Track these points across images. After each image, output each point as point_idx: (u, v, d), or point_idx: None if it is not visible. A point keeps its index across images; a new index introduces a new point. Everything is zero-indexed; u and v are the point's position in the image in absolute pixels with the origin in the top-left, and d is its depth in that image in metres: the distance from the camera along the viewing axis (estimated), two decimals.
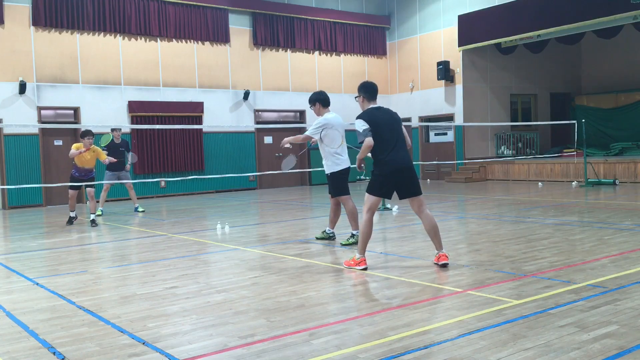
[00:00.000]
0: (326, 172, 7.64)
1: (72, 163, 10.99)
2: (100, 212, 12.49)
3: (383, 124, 5.95)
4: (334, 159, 7.48)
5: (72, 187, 10.93)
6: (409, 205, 6.10)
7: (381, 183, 5.94)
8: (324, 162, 7.65)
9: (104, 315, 4.53)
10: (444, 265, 5.90)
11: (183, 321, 4.32)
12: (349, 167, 7.62)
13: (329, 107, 7.67)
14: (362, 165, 6.23)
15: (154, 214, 12.58)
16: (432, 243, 6.17)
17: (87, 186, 10.98)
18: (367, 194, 6.01)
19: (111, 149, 12.65)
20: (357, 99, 6.31)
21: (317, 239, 8.00)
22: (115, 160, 11.85)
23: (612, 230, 7.91)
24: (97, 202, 12.24)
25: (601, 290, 4.73)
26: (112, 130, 13.11)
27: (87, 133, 10.74)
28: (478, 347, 3.51)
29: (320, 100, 7.62)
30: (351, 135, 7.98)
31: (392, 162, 5.87)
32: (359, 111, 7.46)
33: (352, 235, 7.56)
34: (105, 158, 11.06)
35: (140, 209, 13.08)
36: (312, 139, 7.62)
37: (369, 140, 5.84)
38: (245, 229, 9.65)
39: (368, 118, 5.94)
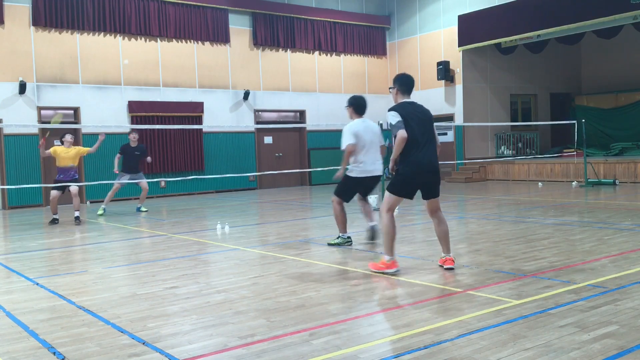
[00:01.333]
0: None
1: (56, 167, 11.35)
2: (102, 211, 12.53)
3: (415, 120, 5.64)
4: (353, 164, 7.27)
5: (54, 189, 11.16)
6: (425, 204, 5.99)
7: (403, 182, 5.68)
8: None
9: (104, 315, 4.53)
10: (449, 269, 5.78)
11: (183, 321, 4.32)
12: (365, 177, 7.29)
13: (363, 115, 7.38)
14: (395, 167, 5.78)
15: (154, 214, 12.57)
16: (437, 244, 6.13)
17: (68, 186, 11.15)
18: (387, 193, 5.75)
19: (126, 153, 12.59)
20: (391, 90, 6.03)
21: (331, 244, 7.61)
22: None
23: (612, 230, 7.91)
24: (104, 199, 12.89)
25: (601, 290, 4.73)
26: (130, 132, 12.96)
27: (67, 132, 11.51)
28: (478, 347, 3.51)
29: (353, 105, 7.39)
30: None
31: (419, 163, 5.60)
32: None
33: (338, 237, 7.54)
34: (89, 148, 11.70)
35: (143, 209, 13.07)
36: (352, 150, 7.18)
37: (402, 133, 5.49)
38: (245, 229, 9.65)
39: (401, 111, 5.63)
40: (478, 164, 19.17)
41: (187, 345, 3.78)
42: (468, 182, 18.64)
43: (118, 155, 12.73)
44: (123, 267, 6.73)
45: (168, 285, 5.53)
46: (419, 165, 5.61)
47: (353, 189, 7.43)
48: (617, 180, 15.29)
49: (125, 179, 12.67)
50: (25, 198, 15.26)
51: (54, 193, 11.11)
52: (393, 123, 5.64)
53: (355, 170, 7.26)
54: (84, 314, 4.62)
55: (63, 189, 11.18)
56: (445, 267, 5.83)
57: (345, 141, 7.12)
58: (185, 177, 16.08)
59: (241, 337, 3.87)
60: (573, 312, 4.17)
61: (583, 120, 16.03)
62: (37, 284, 5.81)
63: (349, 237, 7.53)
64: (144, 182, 12.92)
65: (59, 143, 11.56)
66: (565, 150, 19.96)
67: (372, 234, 7.52)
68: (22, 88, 15.03)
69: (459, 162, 19.31)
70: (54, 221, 11.14)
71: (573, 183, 15.93)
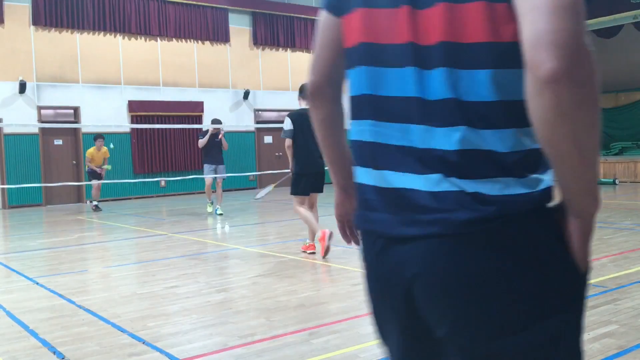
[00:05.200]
0: None
1: (88, 164, 13.30)
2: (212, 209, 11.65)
3: (306, 126, 6.45)
4: None
5: (94, 179, 13.22)
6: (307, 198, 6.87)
7: (298, 182, 6.81)
8: None
9: (104, 315, 4.53)
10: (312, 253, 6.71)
11: (183, 321, 4.32)
12: None
13: None
14: None
15: (154, 214, 12.57)
16: None
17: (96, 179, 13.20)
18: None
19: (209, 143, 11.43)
20: None
21: None
22: None
23: (612, 229, 7.91)
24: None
25: (601, 290, 4.73)
26: (212, 122, 11.81)
27: (99, 136, 13.37)
28: None
29: None
30: None
31: (308, 165, 6.76)
32: None
33: None
34: (107, 166, 13.53)
35: (219, 212, 11.43)
36: None
37: (288, 142, 6.73)
38: (245, 229, 9.65)
39: (294, 119, 6.70)
40: None
41: (187, 344, 3.77)
42: None
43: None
44: (123, 267, 6.73)
45: (168, 285, 5.53)
46: (307, 165, 6.65)
47: None
48: (617, 180, 15.28)
49: (211, 172, 11.47)
50: (25, 197, 15.25)
51: (95, 183, 13.10)
52: (285, 129, 6.63)
53: None
54: (84, 313, 4.62)
55: (99, 178, 13.35)
56: (308, 252, 6.80)
57: None
58: (185, 176, 16.08)
59: (241, 337, 3.87)
60: None
61: None
62: (37, 283, 5.81)
63: None
64: (222, 177, 11.81)
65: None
66: None
67: None
68: (22, 87, 15.02)
69: None
70: (97, 208, 13.12)
71: None
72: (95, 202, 13.33)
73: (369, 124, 1.19)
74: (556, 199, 1.11)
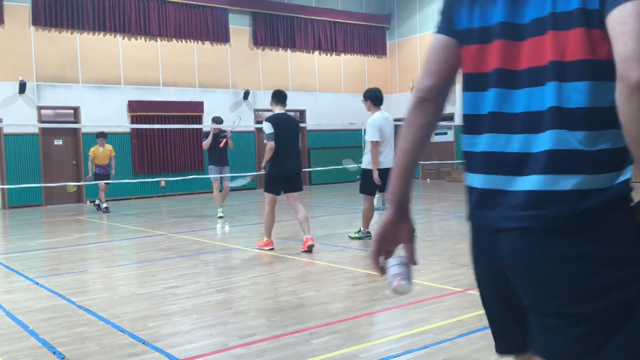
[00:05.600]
0: (362, 167, 7.70)
1: (94, 164, 12.99)
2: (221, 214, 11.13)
3: (285, 130, 7.06)
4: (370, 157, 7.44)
5: (100, 180, 13.03)
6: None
7: (271, 182, 7.16)
8: (363, 157, 7.68)
9: (104, 315, 4.53)
10: (310, 248, 6.86)
11: (183, 321, 4.32)
12: (387, 169, 7.28)
13: (380, 106, 7.58)
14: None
15: (154, 214, 12.57)
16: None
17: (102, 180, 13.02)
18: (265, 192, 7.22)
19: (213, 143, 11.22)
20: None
21: (351, 237, 7.88)
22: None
23: None
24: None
25: None
26: (213, 120, 11.50)
27: (100, 135, 13.02)
28: (478, 347, 3.50)
29: (371, 97, 7.59)
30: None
31: (284, 167, 7.10)
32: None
33: (359, 231, 7.79)
34: (113, 154, 13.24)
35: (220, 214, 11.08)
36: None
37: (271, 144, 7.01)
38: (245, 229, 9.65)
39: (275, 123, 7.00)
40: None
41: (187, 344, 3.77)
42: None
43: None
44: (123, 267, 6.73)
45: (168, 285, 5.53)
46: (285, 167, 7.02)
47: (373, 182, 7.42)
48: None
49: (217, 173, 11.31)
50: (25, 198, 15.25)
51: (101, 184, 12.91)
52: (267, 132, 6.95)
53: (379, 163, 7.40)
54: (83, 313, 4.62)
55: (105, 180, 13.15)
56: (308, 245, 6.89)
57: (371, 136, 7.33)
58: (185, 177, 16.08)
59: (241, 337, 3.87)
60: None
61: None
62: (37, 283, 5.81)
63: (368, 232, 7.71)
64: (228, 182, 11.54)
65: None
66: None
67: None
68: (22, 87, 15.02)
69: (459, 161, 19.31)
70: (107, 209, 12.85)
71: None
72: (104, 205, 13.03)
73: (485, 137, 1.43)
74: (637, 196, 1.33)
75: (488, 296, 1.55)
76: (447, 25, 1.52)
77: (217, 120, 11.39)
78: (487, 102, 1.42)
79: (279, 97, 7.36)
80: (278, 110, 7.22)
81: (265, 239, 7.28)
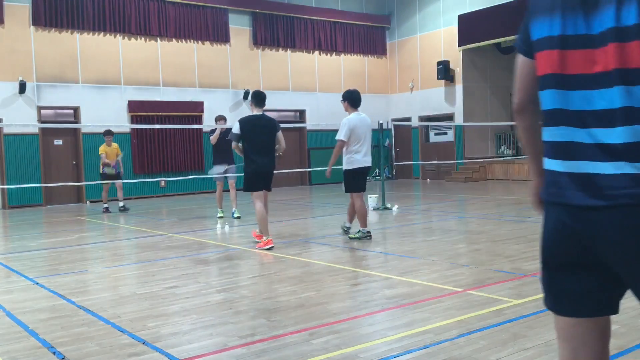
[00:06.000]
0: (343, 168, 7.87)
1: (103, 162, 12.85)
2: (227, 214, 10.96)
3: (256, 131, 7.40)
4: (349, 157, 7.66)
5: (113, 179, 12.99)
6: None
7: (250, 179, 7.50)
8: (343, 158, 7.82)
9: (104, 315, 4.53)
10: (270, 248, 7.23)
11: (183, 321, 4.32)
12: (365, 167, 7.71)
13: (358, 108, 7.76)
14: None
15: (154, 214, 12.57)
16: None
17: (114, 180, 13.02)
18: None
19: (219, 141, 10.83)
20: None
21: (351, 238, 7.85)
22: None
23: None
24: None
25: None
26: (218, 119, 11.18)
27: (107, 133, 12.94)
28: (478, 347, 3.51)
29: (349, 99, 7.76)
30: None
31: (258, 165, 7.42)
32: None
33: (359, 231, 7.76)
34: (121, 153, 13.22)
35: (236, 214, 10.80)
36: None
37: (233, 145, 7.62)
38: (245, 229, 9.64)
39: (243, 125, 7.31)
40: (478, 164, 19.17)
41: (187, 344, 3.77)
42: (468, 181, 18.64)
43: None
44: (123, 267, 6.73)
45: (168, 285, 5.53)
46: (258, 166, 7.32)
47: (358, 179, 7.73)
48: None
49: (222, 172, 10.85)
50: (25, 198, 15.26)
51: (118, 184, 12.98)
52: (233, 132, 7.39)
53: (352, 163, 7.65)
54: (84, 313, 4.62)
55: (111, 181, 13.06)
56: (268, 247, 7.25)
57: (340, 135, 7.64)
58: (185, 177, 16.08)
59: (241, 337, 3.87)
60: None
61: None
62: (37, 283, 5.82)
63: (368, 232, 7.76)
64: (233, 179, 11.15)
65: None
66: None
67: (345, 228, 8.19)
68: (22, 88, 15.03)
69: (459, 161, 19.31)
70: (107, 210, 12.85)
71: None
72: (105, 205, 13.02)
73: (565, 129, 1.68)
74: None
75: (564, 266, 1.76)
76: (523, 41, 1.84)
77: (220, 118, 11.17)
78: (568, 100, 1.66)
79: (258, 98, 7.52)
80: (256, 111, 7.44)
81: (265, 237, 7.35)
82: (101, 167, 12.97)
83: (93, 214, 12.91)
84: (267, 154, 7.41)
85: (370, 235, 7.76)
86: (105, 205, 13.02)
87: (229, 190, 11.23)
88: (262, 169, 7.40)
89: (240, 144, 7.54)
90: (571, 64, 1.65)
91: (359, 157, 7.61)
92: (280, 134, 7.59)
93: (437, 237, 7.90)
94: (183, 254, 7.29)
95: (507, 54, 19.72)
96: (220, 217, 10.84)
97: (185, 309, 4.64)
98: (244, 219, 10.54)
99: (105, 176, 12.98)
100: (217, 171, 10.39)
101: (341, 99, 7.89)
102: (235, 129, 7.37)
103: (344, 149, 7.67)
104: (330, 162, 7.83)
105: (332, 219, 10.47)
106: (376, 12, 21.71)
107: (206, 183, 17.77)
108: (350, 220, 8.11)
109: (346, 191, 7.83)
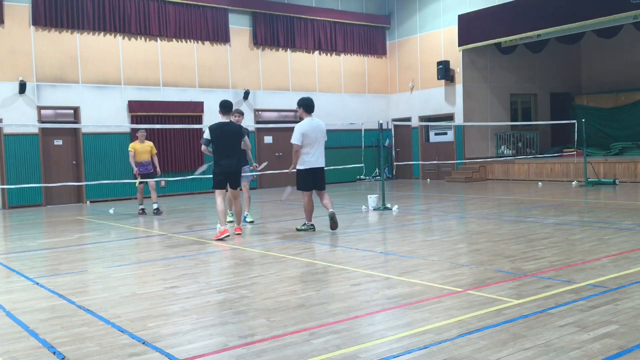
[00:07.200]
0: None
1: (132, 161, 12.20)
2: (248, 216, 10.32)
3: (225, 136, 8.34)
4: (301, 158, 8.54)
5: (145, 178, 12.32)
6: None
7: (218, 178, 8.46)
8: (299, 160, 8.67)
9: (103, 315, 4.53)
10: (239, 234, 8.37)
11: (183, 321, 4.32)
12: (316, 168, 8.56)
13: (312, 113, 8.63)
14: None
15: (154, 214, 12.56)
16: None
17: (147, 179, 12.31)
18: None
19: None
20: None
21: (298, 230, 8.88)
22: None
23: (612, 229, 7.91)
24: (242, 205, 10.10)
25: (601, 290, 4.73)
26: (233, 112, 10.25)
27: (140, 129, 12.71)
28: (478, 347, 3.51)
29: (303, 105, 8.66)
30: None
31: (224, 166, 8.37)
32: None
33: (304, 224, 8.87)
34: (155, 151, 12.51)
35: (249, 219, 10.23)
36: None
37: (203, 148, 8.59)
38: (246, 229, 9.64)
39: (212, 130, 8.29)
40: (478, 164, 19.17)
41: (187, 344, 3.77)
42: (468, 181, 18.64)
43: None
44: (123, 267, 6.73)
45: (168, 285, 5.53)
46: (223, 167, 8.26)
47: (307, 179, 8.61)
48: (617, 180, 15.28)
49: None
50: (25, 198, 15.26)
51: (151, 183, 12.38)
52: (204, 137, 8.54)
53: (303, 163, 8.54)
54: (84, 313, 4.63)
55: (143, 181, 12.35)
56: (236, 233, 8.46)
57: (293, 139, 8.49)
58: (185, 177, 16.08)
59: (241, 337, 3.87)
60: (573, 311, 4.17)
61: (583, 120, 16.03)
62: (37, 283, 5.82)
63: (312, 225, 8.82)
64: (246, 181, 10.35)
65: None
66: (565, 150, 19.96)
67: (332, 220, 8.62)
68: (22, 88, 15.03)
69: (459, 161, 19.31)
70: (143, 212, 12.32)
71: (573, 183, 15.93)
72: (141, 206, 12.38)
73: None
74: None
75: None
76: None
77: (239, 112, 10.73)
78: None
79: (224, 107, 8.48)
80: (225, 118, 8.41)
81: (220, 227, 8.24)
82: (132, 163, 12.16)
83: (93, 214, 12.90)
84: (232, 157, 8.34)
85: (314, 228, 8.79)
86: (141, 206, 12.37)
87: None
88: (226, 169, 8.35)
89: (209, 148, 8.48)
90: None
91: (309, 158, 8.49)
92: (246, 138, 8.98)
93: (437, 237, 7.90)
94: (183, 254, 7.29)
95: (507, 54, 19.72)
96: (230, 222, 10.01)
97: (185, 309, 4.64)
98: (257, 222, 10.53)
99: (141, 175, 12.17)
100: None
101: (296, 105, 8.80)
102: (206, 135, 8.49)
103: (301, 151, 8.49)
104: (293, 163, 8.66)
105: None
106: (376, 12, 21.70)
107: (206, 183, 17.76)
108: (310, 218, 8.86)
109: (298, 189, 8.72)
